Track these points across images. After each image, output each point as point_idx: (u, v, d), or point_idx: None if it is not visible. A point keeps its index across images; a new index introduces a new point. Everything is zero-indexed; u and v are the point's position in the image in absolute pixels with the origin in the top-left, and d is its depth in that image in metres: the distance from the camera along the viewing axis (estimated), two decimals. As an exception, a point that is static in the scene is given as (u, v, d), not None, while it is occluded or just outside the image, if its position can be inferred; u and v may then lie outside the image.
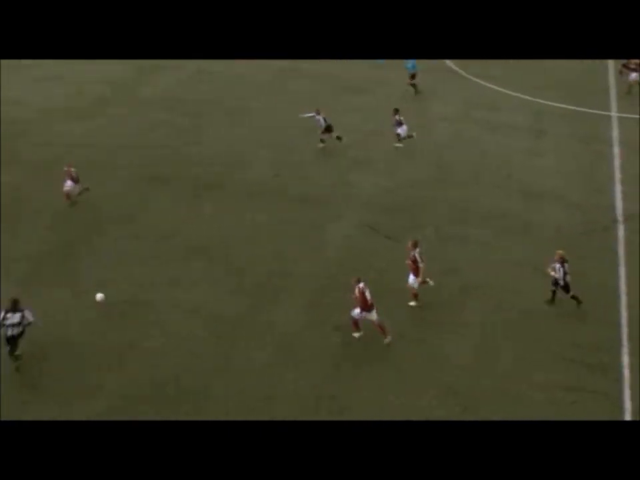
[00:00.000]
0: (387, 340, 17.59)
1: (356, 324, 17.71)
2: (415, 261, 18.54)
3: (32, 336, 17.67)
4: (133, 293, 19.47)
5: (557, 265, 18.53)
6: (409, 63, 33.61)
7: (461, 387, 16.28)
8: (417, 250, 18.65)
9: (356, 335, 17.76)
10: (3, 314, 16.74)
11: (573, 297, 18.78)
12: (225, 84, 35.56)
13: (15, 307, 16.84)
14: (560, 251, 18.69)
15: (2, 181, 25.44)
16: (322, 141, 28.18)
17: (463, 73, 37.45)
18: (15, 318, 16.78)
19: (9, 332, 16.83)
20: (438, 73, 37.09)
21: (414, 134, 28.45)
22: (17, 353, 17.02)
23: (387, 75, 36.02)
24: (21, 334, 16.94)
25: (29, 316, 17.00)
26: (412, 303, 18.97)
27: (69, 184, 24.01)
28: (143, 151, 28.15)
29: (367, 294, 17.33)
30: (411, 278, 18.78)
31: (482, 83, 36.18)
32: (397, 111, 28.29)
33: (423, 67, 36.69)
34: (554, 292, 18.86)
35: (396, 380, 16.51)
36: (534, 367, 16.91)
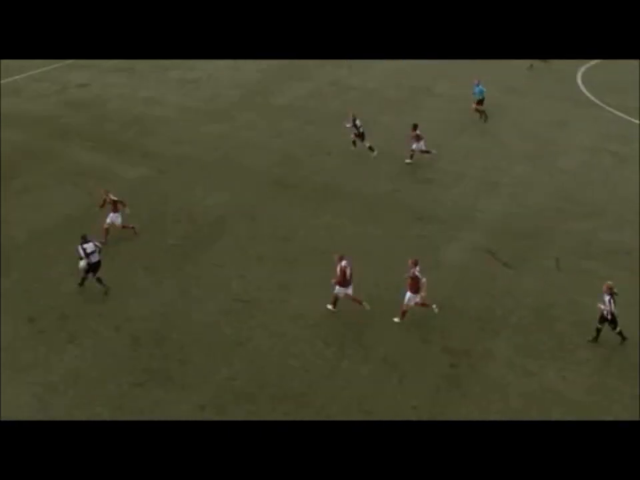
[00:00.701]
0: (366, 306, 18.80)
1: (335, 301, 18.81)
2: (414, 279, 18.10)
3: (150, 324, 18.29)
4: (245, 291, 19.77)
5: (607, 297, 17.45)
6: (476, 88, 32.45)
7: (568, 425, 15.42)
8: (417, 268, 18.23)
9: (329, 306, 18.92)
10: (80, 248, 19.04)
11: (619, 333, 17.77)
12: (355, 97, 35.61)
13: (85, 239, 19.19)
14: (609, 282, 17.63)
15: (138, 174, 26.70)
16: (353, 143, 28.58)
17: (599, 103, 35.92)
18: (91, 247, 19.17)
19: (93, 259, 19.16)
20: (572, 101, 35.78)
21: (433, 151, 27.81)
22: (96, 279, 19.36)
23: (520, 101, 35.11)
24: (100, 261, 19.23)
25: (97, 242, 19.53)
26: (396, 319, 18.59)
27: (111, 216, 21.94)
28: (269, 156, 28.64)
29: (348, 271, 18.38)
30: (407, 295, 18.36)
31: (618, 113, 34.55)
32: (415, 127, 27.62)
33: (559, 95, 35.63)
34: (599, 330, 17.83)
35: (500, 408, 15.85)
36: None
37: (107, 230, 21.82)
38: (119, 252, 21.53)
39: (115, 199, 22.01)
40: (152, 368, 16.83)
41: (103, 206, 22.14)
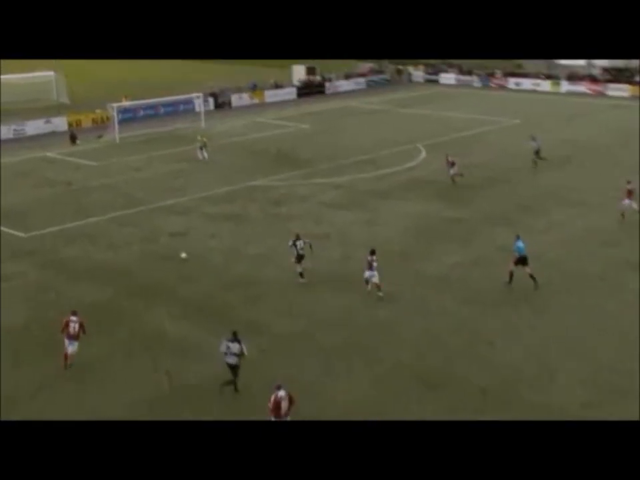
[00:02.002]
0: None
1: None
2: None
3: None
4: None
5: None
6: (516, 243, 31.46)
7: None
8: None
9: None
10: (225, 343, 22.67)
11: None
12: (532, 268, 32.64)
13: (235, 337, 22.71)
14: None
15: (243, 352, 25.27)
16: (300, 275, 31.73)
17: None
18: (235, 348, 22.59)
19: (231, 360, 22.62)
20: None
21: (375, 280, 30.06)
22: (236, 381, 22.96)
23: None
24: (239, 365, 22.70)
25: (244, 348, 22.68)
26: None
27: (67, 343, 24.49)
28: (409, 342, 26.94)
29: (284, 404, 19.97)
30: None
31: None
32: (373, 252, 30.24)
33: None
34: None
35: None
36: None
37: (67, 356, 24.52)
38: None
39: (80, 324, 24.53)
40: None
41: (63, 331, 24.54)
